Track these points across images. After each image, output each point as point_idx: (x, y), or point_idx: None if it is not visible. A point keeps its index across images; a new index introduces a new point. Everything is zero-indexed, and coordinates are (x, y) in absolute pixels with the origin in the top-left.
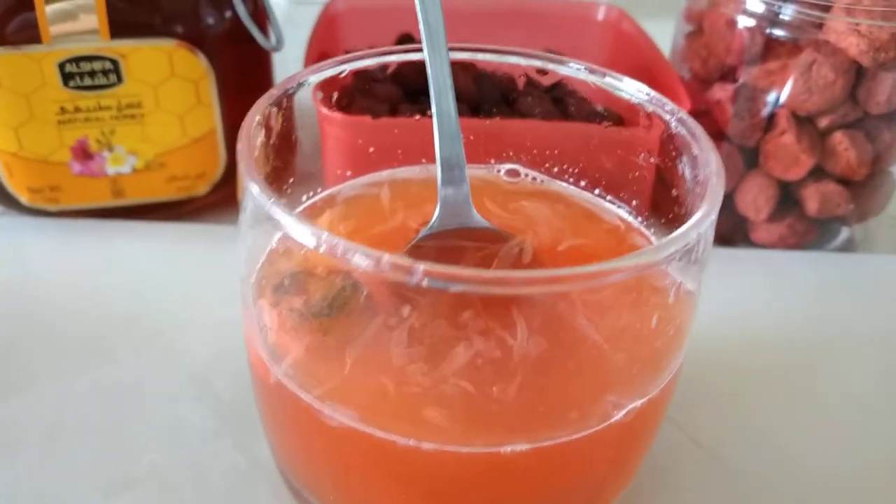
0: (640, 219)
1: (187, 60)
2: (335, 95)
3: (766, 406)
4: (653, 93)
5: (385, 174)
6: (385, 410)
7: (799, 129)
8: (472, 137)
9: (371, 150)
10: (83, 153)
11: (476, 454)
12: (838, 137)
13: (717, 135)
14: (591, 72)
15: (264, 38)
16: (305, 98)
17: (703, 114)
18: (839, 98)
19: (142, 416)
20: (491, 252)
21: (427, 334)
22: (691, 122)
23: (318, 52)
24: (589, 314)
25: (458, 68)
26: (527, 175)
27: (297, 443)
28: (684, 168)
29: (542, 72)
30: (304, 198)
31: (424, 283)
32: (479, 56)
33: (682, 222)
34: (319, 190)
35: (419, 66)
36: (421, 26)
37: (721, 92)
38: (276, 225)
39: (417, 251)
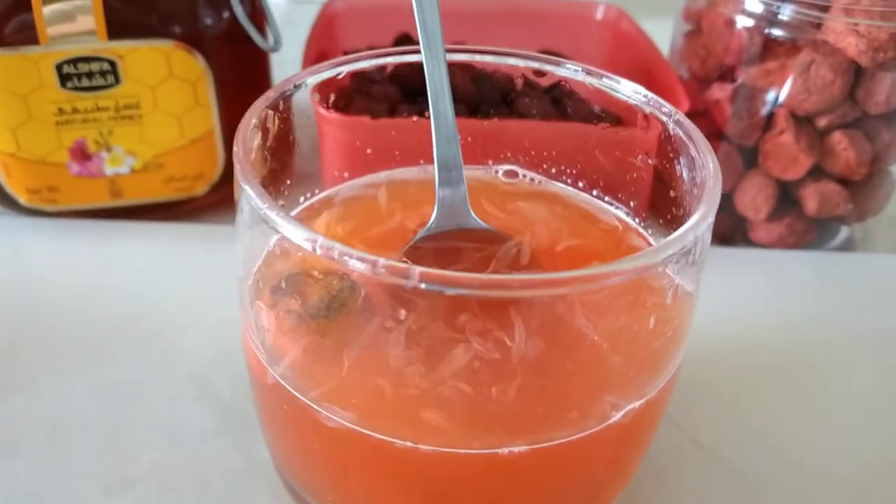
0: (638, 220)
1: (185, 61)
2: (334, 96)
3: (766, 406)
4: (650, 94)
5: (383, 175)
6: (383, 412)
7: (798, 128)
8: (469, 138)
9: (369, 151)
10: (81, 154)
11: (474, 455)
12: (837, 137)
13: (716, 134)
14: (589, 73)
15: (262, 38)
16: (304, 99)
17: (702, 113)
18: (838, 98)
19: (141, 416)
20: (489, 253)
21: (425, 336)
22: (688, 123)
23: (317, 52)
24: (586, 316)
25: (457, 69)
26: (525, 176)
27: (295, 444)
28: (682, 169)
29: (540, 73)
30: (302, 199)
31: (420, 286)
32: (477, 58)
33: (681, 223)
34: (317, 191)
35: (418, 67)
36: (418, 27)
37: (720, 92)
38: (273, 228)
39: (415, 253)
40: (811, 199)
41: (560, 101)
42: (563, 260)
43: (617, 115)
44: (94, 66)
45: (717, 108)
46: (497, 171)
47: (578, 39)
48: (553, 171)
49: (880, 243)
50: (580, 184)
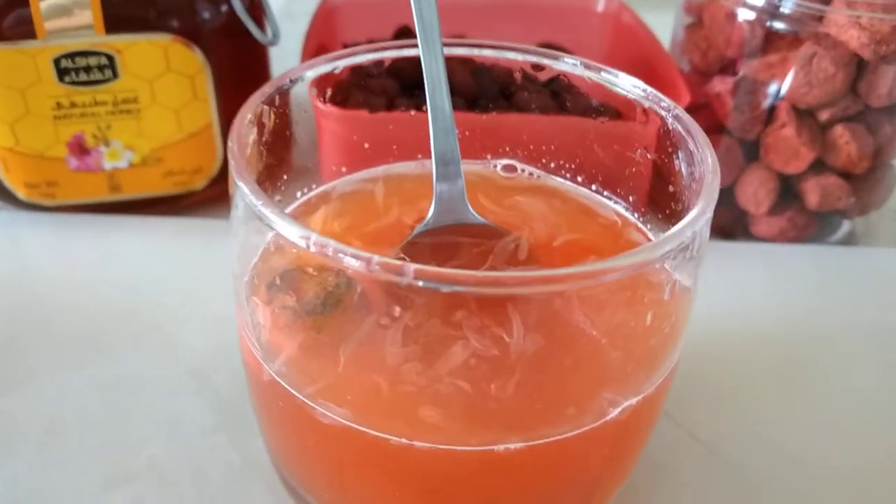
0: (637, 214)
1: (183, 55)
2: (333, 90)
3: (766, 401)
4: (649, 88)
5: (381, 170)
6: (379, 408)
7: (799, 122)
8: (467, 133)
9: (366, 145)
10: (80, 148)
11: (471, 452)
12: (839, 131)
13: (717, 128)
14: (588, 67)
15: (260, 32)
16: (302, 93)
17: (703, 107)
18: (840, 91)
19: (140, 410)
20: (486, 248)
21: (421, 333)
22: (687, 118)
23: (316, 45)
24: (583, 312)
25: (456, 62)
26: (523, 170)
27: (291, 440)
28: (680, 164)
29: (539, 67)
30: (299, 194)
31: (414, 284)
32: (476, 51)
33: (680, 218)
34: (314, 186)
35: (416, 60)
36: (415, 20)
37: (721, 85)
38: (267, 225)
39: (412, 248)
40: (813, 192)
41: (559, 95)
42: (562, 255)
43: (616, 110)
44: (92, 61)
45: (719, 101)
46: (495, 166)
47: (579, 32)
48: (552, 165)
49: (882, 237)
50: (579, 178)
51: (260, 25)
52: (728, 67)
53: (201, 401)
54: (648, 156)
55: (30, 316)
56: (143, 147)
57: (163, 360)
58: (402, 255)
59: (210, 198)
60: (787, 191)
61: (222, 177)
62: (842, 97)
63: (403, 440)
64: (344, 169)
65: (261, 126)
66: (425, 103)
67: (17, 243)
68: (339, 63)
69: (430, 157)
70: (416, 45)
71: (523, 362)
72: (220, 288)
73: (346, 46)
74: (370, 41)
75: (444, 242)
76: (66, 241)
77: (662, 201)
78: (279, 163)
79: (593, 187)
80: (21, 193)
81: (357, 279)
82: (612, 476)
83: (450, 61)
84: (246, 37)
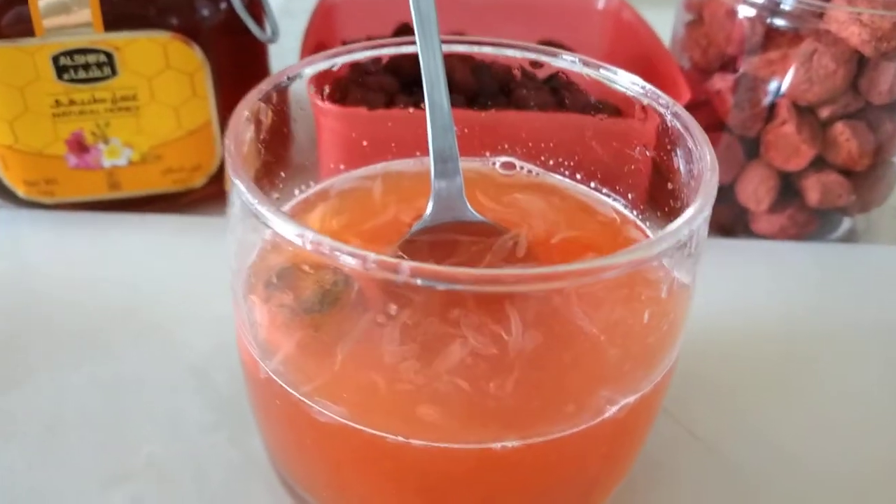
0: (636, 212)
1: (182, 52)
2: (332, 87)
3: (766, 399)
4: (648, 85)
5: (379, 167)
6: (377, 407)
7: (800, 119)
8: (466, 130)
9: (365, 142)
10: (79, 146)
11: (468, 450)
12: (840, 128)
13: (718, 125)
14: (586, 64)
15: (259, 29)
16: (301, 90)
17: (703, 104)
18: (840, 88)
19: (140, 408)
20: (485, 246)
21: (420, 331)
22: (686, 115)
23: (315, 42)
24: (581, 310)
25: (456, 59)
26: (522, 168)
27: (289, 439)
28: (679, 161)
29: (537, 64)
30: (297, 192)
31: (411, 282)
32: (475, 48)
33: (679, 215)
34: (313, 183)
35: (415, 57)
36: (413, 17)
37: (721, 82)
38: (263, 223)
39: (410, 246)
40: (813, 190)
41: (559, 93)
42: (560, 252)
43: (616, 107)
44: (91, 58)
45: (719, 98)
46: (494, 163)
47: (580, 30)
48: (551, 162)
49: (883, 234)
50: (578, 175)
51: (259, 23)
52: (728, 64)
53: (201, 399)
54: (647, 153)
55: (29, 314)
56: (142, 144)
57: (162, 358)
58: (400, 253)
59: (209, 195)
60: (788, 188)
61: (222, 174)
62: (842, 94)
63: (401, 438)
64: (342, 166)
65: (258, 123)
66: (424, 100)
67: (16, 241)
68: (337, 60)
69: (428, 155)
70: (414, 42)
71: (521, 360)
72: (219, 285)
73: (345, 44)
74: (369, 38)
75: (442, 240)
76: (65, 238)
77: (661, 199)
78: (277, 160)
79: (592, 185)
80: (20, 191)
81: (354, 277)
82: (611, 474)
83: (450, 58)
84: (245, 34)
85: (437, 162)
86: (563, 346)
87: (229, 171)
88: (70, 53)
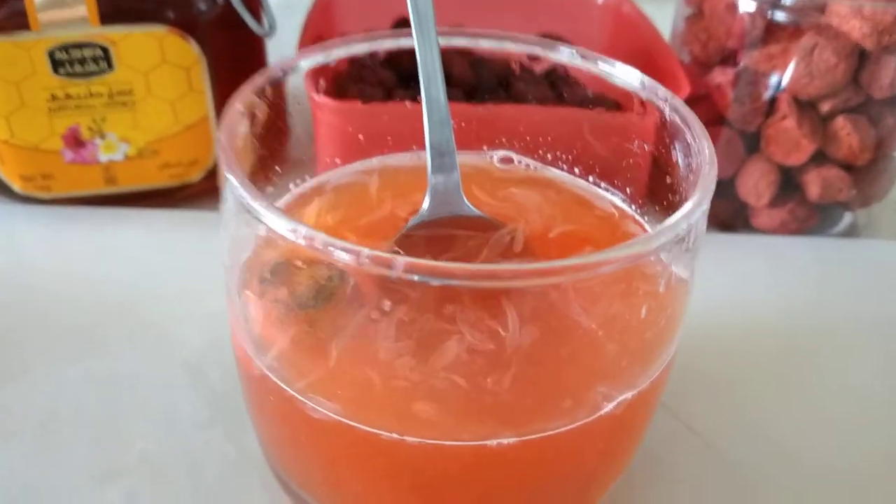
0: (634, 206)
1: (179, 47)
2: (331, 81)
3: (765, 393)
4: (646, 79)
5: (376, 161)
6: (371, 404)
7: (800, 113)
8: (464, 124)
9: (361, 136)
10: (75, 141)
11: (464, 447)
12: (840, 122)
13: (718, 119)
14: (584, 57)
15: (257, 23)
16: (298, 84)
17: (704, 98)
18: (841, 82)
19: (135, 404)
20: (481, 241)
21: (415, 327)
22: (684, 109)
23: (314, 36)
24: (577, 305)
25: (455, 53)
26: (520, 162)
27: (284, 436)
28: (678, 155)
29: (535, 58)
30: (293, 186)
31: (405, 277)
32: (473, 42)
33: (677, 210)
34: (308, 178)
35: (413, 51)
36: (410, 11)
37: (721, 76)
38: (256, 218)
39: (406, 241)
40: (814, 184)
41: (558, 86)
42: (557, 248)
43: (616, 101)
44: (87, 52)
45: (719, 92)
46: (492, 158)
47: (579, 23)
48: (549, 156)
49: (884, 229)
50: (576, 170)
51: (256, 16)
52: (729, 59)
53: (197, 394)
54: (646, 147)
55: (25, 309)
56: (138, 139)
57: (158, 354)
58: (397, 248)
59: (206, 190)
60: (788, 183)
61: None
62: (843, 88)
63: (396, 435)
64: (339, 161)
65: (252, 117)
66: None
67: (12, 236)
68: (332, 53)
69: (425, 149)
70: (411, 36)
71: (518, 356)
72: (216, 281)
73: (343, 37)
74: (368, 31)
75: (438, 235)
76: (61, 234)
77: (660, 193)
78: (273, 154)
79: (591, 179)
80: (16, 186)
81: (349, 272)
82: (608, 470)
83: (449, 52)
84: (242, 28)
85: (433, 156)
86: (560, 341)
87: (221, 165)
88: (66, 48)
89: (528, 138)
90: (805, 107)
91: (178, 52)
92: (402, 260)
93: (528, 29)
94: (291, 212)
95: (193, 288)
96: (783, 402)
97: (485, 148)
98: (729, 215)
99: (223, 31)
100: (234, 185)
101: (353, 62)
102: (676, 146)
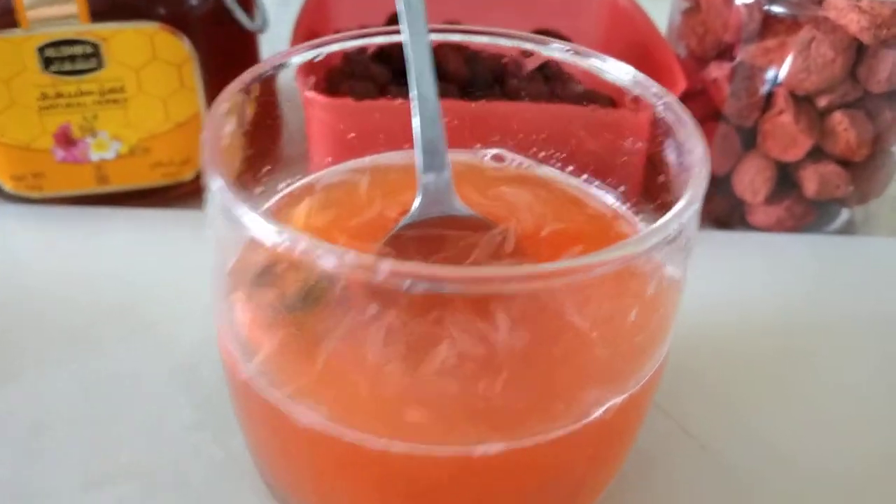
0: (628, 204)
1: (169, 43)
2: (324, 77)
3: (761, 393)
4: (639, 75)
5: (367, 160)
6: (359, 409)
7: (797, 108)
8: (456, 121)
9: (352, 134)
10: (66, 139)
11: (451, 453)
12: (838, 117)
13: (714, 114)
14: (576, 53)
15: (248, 19)
16: (288, 80)
17: (700, 93)
18: (839, 77)
19: (129, 404)
20: (472, 241)
21: (405, 330)
22: (678, 106)
23: (307, 31)
24: (567, 307)
25: (449, 49)
26: (513, 160)
27: (271, 443)
28: (671, 153)
29: (528, 53)
30: (283, 185)
31: (389, 282)
32: (466, 37)
33: (671, 208)
34: (299, 177)
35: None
36: (400, 6)
37: (718, 70)
38: (238, 222)
39: (397, 242)
40: (811, 180)
41: (552, 83)
42: (549, 248)
43: (610, 98)
44: (77, 50)
45: (715, 87)
46: (484, 156)
47: (575, 17)
48: (542, 154)
49: (882, 226)
50: (570, 168)
51: (248, 12)
52: (725, 53)
53: (189, 396)
54: (639, 144)
55: (17, 310)
56: (130, 137)
57: (152, 354)
58: (387, 249)
59: (199, 189)
60: (785, 179)
61: None
62: (841, 83)
63: (384, 441)
64: (330, 159)
65: (240, 116)
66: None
67: (3, 236)
68: (323, 49)
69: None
70: (400, 32)
71: (509, 359)
72: (209, 281)
73: (337, 33)
74: (363, 27)
75: (429, 235)
76: (53, 233)
77: (654, 191)
78: (263, 153)
79: (584, 177)
80: (7, 186)
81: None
82: (598, 476)
83: (444, 48)
84: (234, 24)
85: (424, 155)
86: (548, 344)
87: (205, 166)
88: (56, 45)
89: (521, 135)
90: (802, 101)
91: (169, 48)
92: (387, 264)
93: (524, 24)
94: (281, 212)
95: (187, 287)
96: (779, 403)
97: (478, 145)
98: (725, 212)
99: (215, 28)
100: (216, 186)
101: (346, 58)
102: (669, 144)
